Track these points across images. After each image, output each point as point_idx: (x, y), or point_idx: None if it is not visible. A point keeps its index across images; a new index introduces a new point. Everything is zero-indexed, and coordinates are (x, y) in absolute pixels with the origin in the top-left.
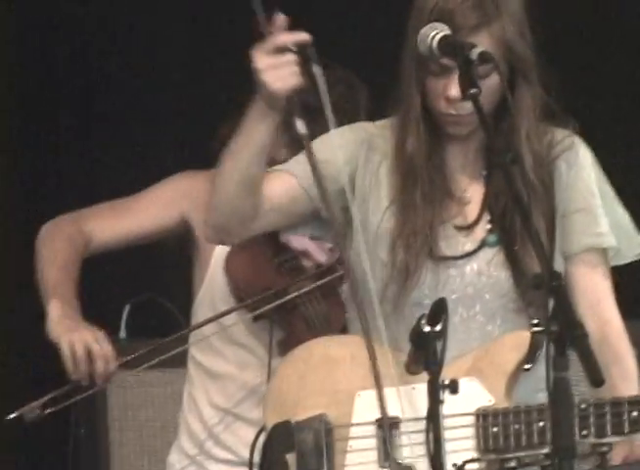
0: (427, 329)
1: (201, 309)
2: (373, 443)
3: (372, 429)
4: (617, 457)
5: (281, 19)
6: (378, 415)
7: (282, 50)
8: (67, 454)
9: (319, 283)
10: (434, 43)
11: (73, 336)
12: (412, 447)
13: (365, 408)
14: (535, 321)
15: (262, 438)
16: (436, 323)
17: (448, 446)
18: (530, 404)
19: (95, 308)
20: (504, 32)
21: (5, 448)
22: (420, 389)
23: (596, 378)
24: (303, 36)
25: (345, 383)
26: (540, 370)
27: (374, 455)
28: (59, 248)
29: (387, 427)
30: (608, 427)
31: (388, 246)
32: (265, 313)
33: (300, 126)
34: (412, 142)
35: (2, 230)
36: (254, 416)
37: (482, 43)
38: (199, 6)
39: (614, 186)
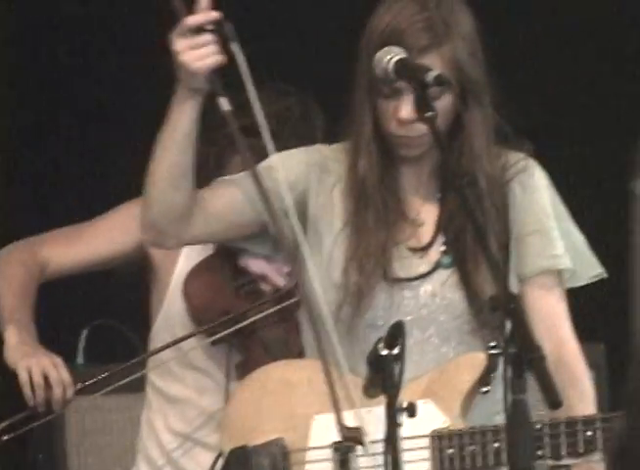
0: (384, 352)
1: (159, 334)
2: (329, 466)
3: (328, 452)
4: None
5: (204, 2)
6: (334, 439)
7: (199, 31)
8: None
9: (277, 307)
10: (390, 66)
11: (31, 362)
12: None
13: (322, 432)
14: (493, 343)
15: (220, 463)
16: (394, 346)
17: (405, 469)
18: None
19: (52, 334)
20: (455, 54)
21: None
22: (376, 412)
23: (554, 400)
24: (214, 14)
25: (302, 407)
26: (497, 392)
27: None
28: (14, 274)
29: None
30: (562, 447)
31: (341, 268)
32: (224, 338)
33: (224, 104)
34: (364, 164)
35: None
36: (213, 441)
37: (433, 64)
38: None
39: (569, 208)
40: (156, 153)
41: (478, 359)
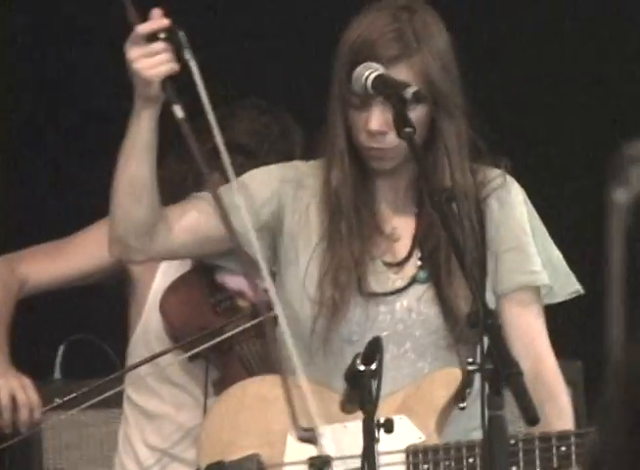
0: (362, 368)
1: (136, 349)
2: None
3: (304, 468)
4: None
5: (156, 12)
6: (310, 454)
7: (152, 39)
8: None
9: (254, 322)
10: (369, 82)
11: (0, 382)
12: None
13: (297, 448)
14: (470, 359)
15: None
16: (372, 362)
17: None
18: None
19: (30, 349)
20: (425, 66)
21: None
22: (351, 427)
23: (531, 417)
24: (165, 22)
25: (278, 422)
26: (475, 408)
27: None
28: None
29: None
30: (537, 462)
31: (316, 282)
32: (201, 353)
33: (178, 111)
34: (337, 176)
35: None
36: (190, 457)
37: (401, 75)
38: (199, 7)
39: (546, 224)
40: (117, 165)
41: (453, 375)
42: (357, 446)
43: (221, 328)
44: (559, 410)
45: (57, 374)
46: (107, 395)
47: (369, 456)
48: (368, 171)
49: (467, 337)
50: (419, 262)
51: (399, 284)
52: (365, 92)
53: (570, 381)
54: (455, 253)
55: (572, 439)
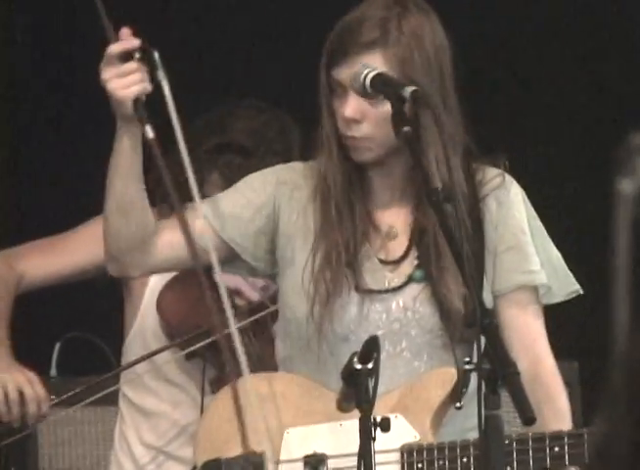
0: (358, 367)
1: (132, 347)
2: None
3: (299, 466)
4: None
5: (125, 32)
6: (306, 452)
7: (127, 58)
8: None
9: (251, 320)
10: (367, 81)
11: (5, 377)
12: None
13: (293, 445)
14: (467, 359)
15: None
16: (368, 361)
17: None
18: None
19: (26, 346)
20: (402, 58)
21: None
22: (347, 426)
23: (528, 416)
24: (134, 42)
25: (275, 420)
26: (471, 408)
27: None
28: None
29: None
30: (530, 462)
31: (313, 280)
32: (198, 352)
33: (149, 132)
34: (325, 163)
35: None
36: (186, 455)
37: (375, 61)
38: (199, 7)
39: (545, 225)
40: (105, 185)
41: (448, 375)
42: (353, 445)
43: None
44: (556, 411)
45: (53, 371)
46: (103, 393)
47: (365, 455)
48: (363, 168)
49: (463, 336)
50: (416, 261)
51: (395, 283)
52: (364, 91)
53: (566, 381)
54: (452, 252)
55: (566, 439)
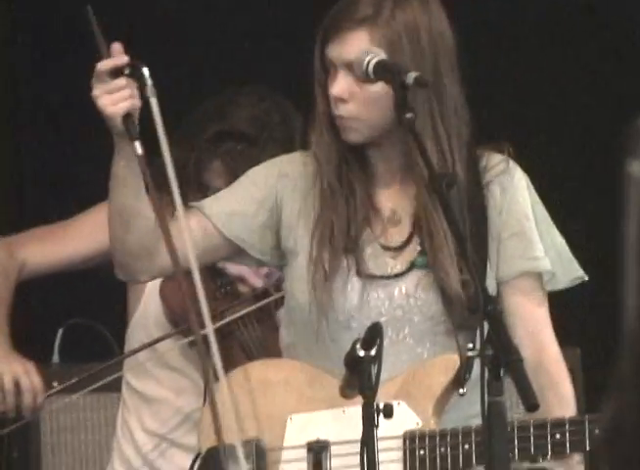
0: (361, 353)
1: (135, 334)
2: (303, 466)
3: (303, 452)
4: None
5: (116, 46)
6: (309, 439)
7: (116, 75)
8: None
9: (254, 307)
10: (370, 67)
11: (2, 367)
12: None
13: (296, 432)
14: (470, 345)
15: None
16: (371, 347)
17: None
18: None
19: (28, 332)
20: (389, 38)
21: None
22: (350, 412)
23: (531, 403)
24: (123, 59)
25: (279, 407)
26: (474, 395)
27: None
28: None
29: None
30: (531, 449)
31: (312, 261)
32: (201, 338)
33: (138, 148)
34: (318, 144)
35: None
36: (190, 442)
37: (360, 39)
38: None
39: (549, 210)
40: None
41: (451, 361)
42: (356, 431)
43: (221, 313)
44: (560, 399)
45: (55, 358)
46: (106, 380)
47: (368, 442)
48: (361, 151)
49: (466, 323)
50: (418, 247)
51: (398, 269)
52: (366, 77)
53: (568, 368)
54: (455, 238)
55: (567, 426)
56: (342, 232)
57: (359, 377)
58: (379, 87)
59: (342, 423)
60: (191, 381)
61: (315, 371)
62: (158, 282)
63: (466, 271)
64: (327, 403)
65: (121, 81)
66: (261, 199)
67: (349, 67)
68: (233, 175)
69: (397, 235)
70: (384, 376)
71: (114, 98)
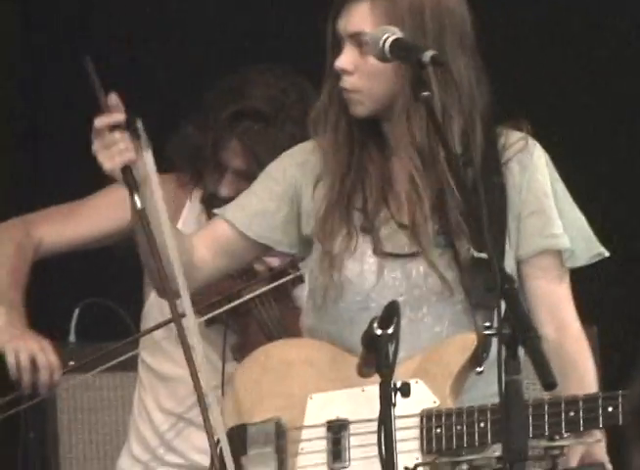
0: (379, 332)
1: (151, 313)
2: (323, 445)
3: (322, 431)
4: (573, 458)
5: (113, 98)
6: (329, 418)
7: (112, 128)
8: (16, 458)
9: (271, 286)
10: (387, 46)
11: (19, 344)
12: (362, 448)
13: (317, 411)
14: (487, 324)
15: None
16: (389, 326)
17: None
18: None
19: (45, 312)
20: (390, 12)
21: None
22: (369, 391)
23: (548, 381)
24: (119, 117)
25: (299, 386)
26: (492, 374)
27: (324, 457)
28: (7, 253)
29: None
30: (545, 427)
31: (331, 247)
32: (218, 318)
33: (137, 201)
34: (329, 115)
35: None
36: None
37: (361, 11)
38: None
39: (570, 188)
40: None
41: (469, 340)
42: (375, 410)
43: (238, 292)
44: (580, 379)
45: (72, 337)
46: (121, 358)
47: (385, 420)
48: (376, 129)
49: (484, 302)
50: (436, 226)
51: (415, 248)
52: (383, 56)
53: (593, 347)
54: (472, 217)
55: (581, 404)
56: (358, 211)
57: (377, 356)
58: (373, 62)
59: (361, 402)
60: (207, 360)
61: (336, 351)
62: None
63: (483, 250)
64: (347, 382)
65: (115, 136)
66: (281, 193)
67: (355, 39)
68: (250, 154)
69: (415, 214)
70: (402, 355)
71: (110, 153)
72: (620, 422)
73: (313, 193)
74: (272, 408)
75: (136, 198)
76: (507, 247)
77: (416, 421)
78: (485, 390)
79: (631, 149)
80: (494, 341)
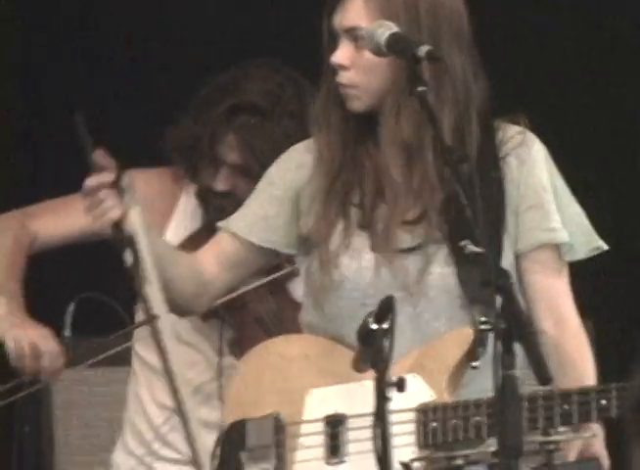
0: (374, 327)
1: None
2: (321, 439)
3: (320, 426)
4: (571, 453)
5: (100, 156)
6: (328, 412)
7: (98, 188)
8: (11, 452)
9: (267, 279)
10: (382, 41)
11: (19, 332)
12: (359, 443)
13: (316, 406)
14: (483, 319)
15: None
16: (384, 321)
17: (391, 442)
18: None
19: (39, 306)
20: (385, 7)
21: None
22: (367, 386)
23: (544, 376)
24: (104, 179)
25: (299, 381)
26: (490, 369)
27: (321, 452)
28: (5, 245)
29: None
30: (540, 420)
31: (328, 244)
32: (214, 312)
33: (128, 258)
34: (324, 112)
35: None
36: (202, 416)
37: (356, 5)
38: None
39: (568, 182)
40: None
41: (465, 334)
42: (372, 405)
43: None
44: (579, 372)
45: (67, 332)
46: (115, 350)
47: (381, 415)
48: (372, 123)
49: (481, 297)
50: (433, 221)
51: (413, 243)
52: (378, 50)
53: (591, 341)
54: (469, 212)
55: (575, 397)
56: (356, 207)
57: (372, 351)
58: (367, 55)
59: (359, 396)
60: (203, 354)
61: (335, 346)
62: None
63: (480, 245)
64: (346, 377)
65: (103, 195)
66: (281, 196)
67: (350, 34)
68: (247, 148)
69: (412, 209)
70: (401, 351)
71: (99, 211)
72: (614, 415)
73: (311, 192)
74: (272, 404)
75: (127, 254)
76: (505, 241)
77: (412, 415)
78: (484, 384)
79: (629, 145)
80: (492, 336)
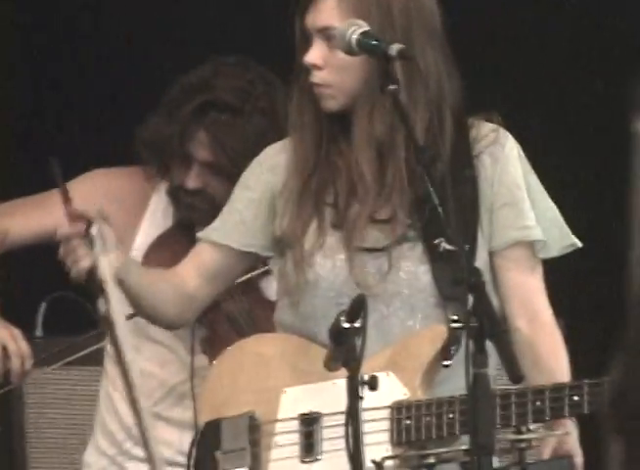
0: (346, 325)
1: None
2: (296, 438)
3: (295, 424)
4: (545, 451)
5: (72, 206)
6: (302, 411)
7: (70, 238)
8: None
9: (240, 279)
10: (353, 39)
11: None
12: (333, 441)
13: (290, 405)
14: (455, 317)
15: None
16: (356, 319)
17: (365, 440)
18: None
19: (11, 306)
20: (356, 5)
21: None
22: (340, 384)
23: (515, 375)
24: (75, 228)
25: (273, 380)
26: (464, 368)
27: (296, 451)
28: None
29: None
30: (513, 417)
31: (302, 244)
32: None
33: (102, 305)
34: (298, 109)
35: None
36: (175, 415)
37: (328, 5)
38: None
39: (542, 180)
40: None
41: (439, 332)
42: (346, 403)
43: None
44: (553, 369)
45: (38, 331)
46: (87, 351)
47: (353, 414)
48: (345, 122)
49: (455, 295)
50: (407, 221)
51: (387, 242)
52: (350, 49)
53: (566, 339)
54: (441, 211)
55: (547, 393)
56: (330, 207)
57: (343, 349)
58: (341, 56)
59: (332, 395)
60: (175, 354)
61: (309, 345)
62: (141, 254)
63: (452, 243)
64: (319, 376)
65: (73, 244)
66: (258, 198)
67: (323, 34)
68: (217, 146)
69: (386, 208)
70: (375, 349)
71: (71, 260)
72: (586, 411)
73: (286, 192)
74: (247, 403)
75: (100, 302)
76: (480, 239)
77: (386, 413)
78: (458, 383)
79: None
80: (465, 334)
